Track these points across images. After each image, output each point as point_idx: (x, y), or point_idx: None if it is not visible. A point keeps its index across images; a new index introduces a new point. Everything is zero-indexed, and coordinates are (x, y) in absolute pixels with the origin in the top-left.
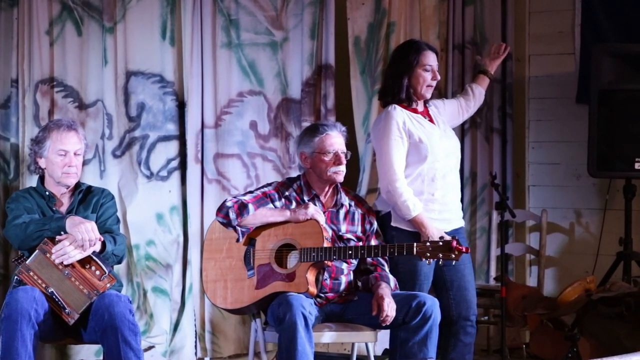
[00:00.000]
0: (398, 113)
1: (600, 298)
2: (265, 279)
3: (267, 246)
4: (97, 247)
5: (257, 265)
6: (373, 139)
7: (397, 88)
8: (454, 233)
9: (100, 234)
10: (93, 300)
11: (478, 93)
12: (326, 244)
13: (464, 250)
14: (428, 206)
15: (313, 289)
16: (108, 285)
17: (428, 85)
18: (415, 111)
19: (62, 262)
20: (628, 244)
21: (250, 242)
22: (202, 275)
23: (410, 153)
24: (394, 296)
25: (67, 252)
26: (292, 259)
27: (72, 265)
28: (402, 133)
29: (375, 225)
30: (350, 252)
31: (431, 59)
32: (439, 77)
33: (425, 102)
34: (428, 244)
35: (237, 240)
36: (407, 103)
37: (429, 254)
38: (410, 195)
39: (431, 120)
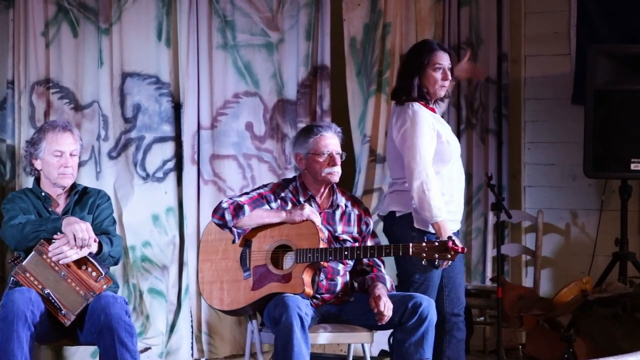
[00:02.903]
0: (423, 110)
1: (596, 299)
2: (262, 280)
3: (263, 247)
4: (94, 249)
5: (253, 267)
6: (399, 137)
7: (409, 88)
8: (456, 233)
9: (97, 235)
10: (89, 301)
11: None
12: (322, 245)
13: (459, 250)
14: (448, 208)
15: (309, 290)
16: (104, 286)
17: (441, 85)
18: (433, 111)
19: (58, 263)
20: (624, 244)
21: (246, 243)
22: (198, 276)
23: (435, 153)
24: (390, 297)
25: (63, 251)
26: (288, 260)
27: (68, 266)
28: (433, 132)
29: (372, 225)
30: (346, 252)
31: (442, 59)
32: (449, 77)
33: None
34: (424, 244)
35: (233, 241)
36: (425, 102)
37: (425, 255)
38: (440, 200)
39: None
